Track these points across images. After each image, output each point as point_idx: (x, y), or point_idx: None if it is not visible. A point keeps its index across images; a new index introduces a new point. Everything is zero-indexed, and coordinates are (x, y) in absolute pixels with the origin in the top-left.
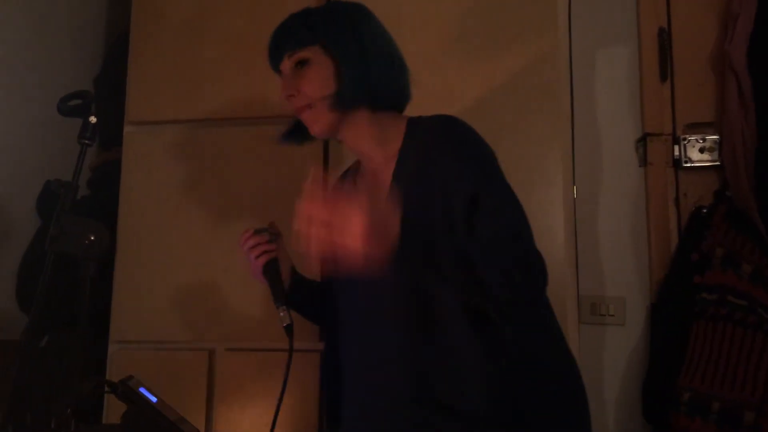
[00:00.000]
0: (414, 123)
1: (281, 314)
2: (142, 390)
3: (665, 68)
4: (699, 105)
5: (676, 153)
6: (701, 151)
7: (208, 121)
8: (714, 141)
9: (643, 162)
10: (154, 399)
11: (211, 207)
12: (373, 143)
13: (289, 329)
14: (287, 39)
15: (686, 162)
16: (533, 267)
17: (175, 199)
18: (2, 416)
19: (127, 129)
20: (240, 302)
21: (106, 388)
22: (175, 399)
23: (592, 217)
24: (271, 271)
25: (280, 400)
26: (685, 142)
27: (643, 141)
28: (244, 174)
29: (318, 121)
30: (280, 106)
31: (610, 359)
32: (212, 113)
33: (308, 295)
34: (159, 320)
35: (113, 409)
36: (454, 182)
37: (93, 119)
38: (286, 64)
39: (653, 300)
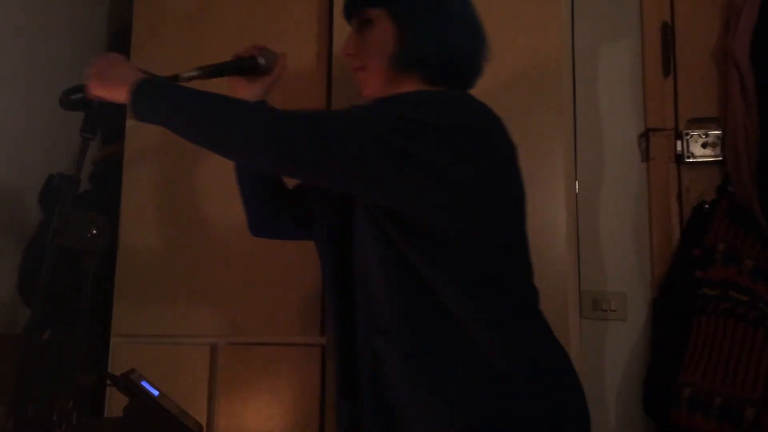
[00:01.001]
0: None
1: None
2: (144, 383)
3: (668, 63)
4: (702, 100)
5: (679, 148)
6: (704, 146)
7: None
8: (716, 136)
9: (646, 157)
10: (155, 392)
11: (212, 200)
12: None
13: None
14: None
15: (689, 157)
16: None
17: (177, 192)
18: (5, 409)
19: (129, 123)
20: (242, 296)
21: (108, 382)
22: (177, 393)
23: (594, 212)
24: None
25: None
26: (688, 137)
27: (645, 136)
28: None
29: (369, 84)
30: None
31: (611, 355)
32: None
33: None
34: (161, 314)
35: (115, 403)
36: None
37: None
38: (354, 23)
39: (655, 295)
